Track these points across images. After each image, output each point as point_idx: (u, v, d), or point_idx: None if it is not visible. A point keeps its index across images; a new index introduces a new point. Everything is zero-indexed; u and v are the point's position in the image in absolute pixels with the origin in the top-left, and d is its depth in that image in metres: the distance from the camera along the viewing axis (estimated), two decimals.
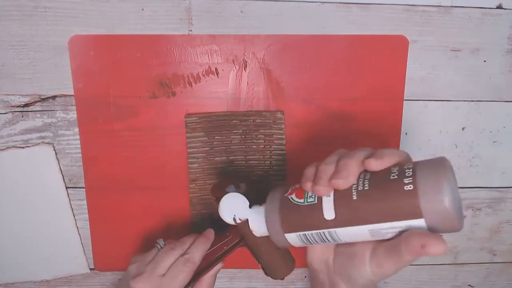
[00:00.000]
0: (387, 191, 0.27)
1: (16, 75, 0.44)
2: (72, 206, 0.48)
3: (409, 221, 0.26)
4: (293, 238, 0.32)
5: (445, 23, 0.45)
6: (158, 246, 0.41)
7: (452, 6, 0.45)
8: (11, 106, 0.45)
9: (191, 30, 0.44)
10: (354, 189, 0.28)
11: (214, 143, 0.47)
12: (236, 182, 0.40)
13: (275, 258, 0.41)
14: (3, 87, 0.45)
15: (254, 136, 0.47)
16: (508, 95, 0.48)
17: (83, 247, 0.50)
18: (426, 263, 0.53)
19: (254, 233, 0.37)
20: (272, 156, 0.47)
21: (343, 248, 0.33)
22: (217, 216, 0.39)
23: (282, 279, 0.42)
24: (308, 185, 0.30)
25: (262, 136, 0.47)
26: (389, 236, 0.28)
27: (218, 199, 0.39)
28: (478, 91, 0.47)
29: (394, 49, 0.45)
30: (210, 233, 0.42)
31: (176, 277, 0.38)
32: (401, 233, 0.27)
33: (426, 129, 0.48)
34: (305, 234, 0.31)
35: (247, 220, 0.37)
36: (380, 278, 0.30)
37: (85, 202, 0.48)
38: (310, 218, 0.30)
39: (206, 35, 0.44)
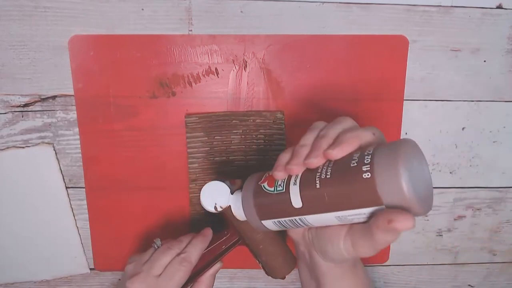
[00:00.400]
0: (347, 180, 0.26)
1: (16, 75, 0.44)
2: (72, 206, 0.48)
3: (371, 208, 0.26)
4: (270, 225, 0.33)
5: (445, 23, 0.45)
6: (155, 245, 0.40)
7: (452, 6, 0.45)
8: (11, 106, 0.45)
9: (191, 30, 0.44)
10: (318, 178, 0.28)
11: (214, 143, 0.47)
12: (231, 179, 0.39)
13: (275, 257, 0.40)
14: (3, 87, 0.45)
15: (254, 136, 0.47)
16: (508, 95, 0.48)
17: (83, 247, 0.50)
18: (426, 263, 0.53)
19: (238, 218, 0.37)
20: (272, 156, 0.47)
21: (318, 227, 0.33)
22: (216, 215, 0.39)
23: (283, 278, 0.42)
24: (278, 174, 0.30)
25: (262, 136, 0.47)
26: (357, 221, 0.28)
27: None
28: (478, 91, 0.47)
29: (394, 49, 0.45)
30: (208, 232, 0.41)
31: (172, 277, 0.37)
32: (369, 217, 0.27)
33: (426, 129, 0.48)
34: (279, 220, 0.32)
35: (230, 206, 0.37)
36: (355, 256, 0.30)
37: (85, 202, 0.48)
38: (281, 206, 0.30)
39: (206, 35, 0.44)
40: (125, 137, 0.46)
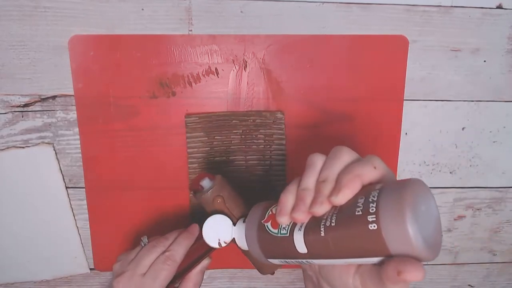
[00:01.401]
0: (353, 230, 0.25)
1: (16, 75, 0.44)
2: (72, 206, 0.48)
3: (379, 258, 0.25)
4: (277, 262, 0.33)
5: (445, 23, 0.45)
6: (142, 243, 0.40)
7: (452, 6, 0.45)
8: (11, 106, 0.45)
9: (191, 30, 0.44)
10: (322, 225, 0.27)
11: (214, 143, 0.47)
12: (209, 175, 0.39)
13: None
14: (3, 87, 0.45)
15: (254, 136, 0.47)
16: (508, 95, 0.48)
17: (83, 247, 0.50)
18: (426, 263, 0.53)
19: (241, 248, 0.37)
20: (272, 156, 0.47)
21: None
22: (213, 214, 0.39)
23: (272, 273, 0.42)
24: (282, 220, 0.29)
25: (262, 136, 0.47)
26: (366, 263, 0.27)
27: (195, 194, 0.39)
28: (478, 91, 0.47)
29: (394, 49, 0.45)
30: (194, 228, 0.41)
31: (157, 276, 0.37)
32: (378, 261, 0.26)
33: (426, 129, 0.48)
34: (286, 260, 0.31)
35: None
36: None
37: (85, 202, 0.48)
38: (286, 250, 0.30)
39: (206, 35, 0.44)
40: (125, 137, 0.46)
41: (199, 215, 0.48)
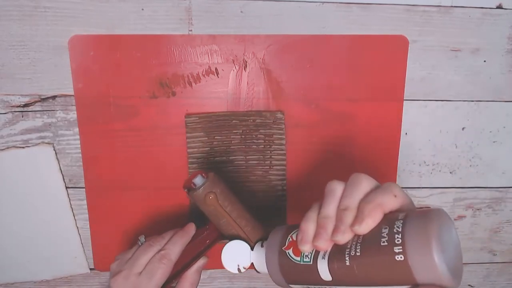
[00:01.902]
0: (379, 260, 0.26)
1: (16, 75, 0.44)
2: (72, 206, 0.48)
3: (404, 286, 0.26)
4: (295, 286, 0.33)
5: (445, 23, 0.45)
6: (139, 242, 0.40)
7: (452, 6, 0.45)
8: (11, 106, 0.45)
9: (191, 30, 0.44)
10: (347, 254, 0.28)
11: (214, 143, 0.47)
12: (202, 172, 0.39)
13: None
14: (3, 87, 0.45)
15: (254, 136, 0.47)
16: (508, 95, 0.48)
17: (83, 247, 0.50)
18: None
19: (259, 272, 0.37)
20: (272, 156, 0.47)
21: None
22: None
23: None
24: (304, 248, 0.29)
25: (262, 136, 0.47)
26: None
27: (188, 192, 0.39)
28: (478, 91, 0.47)
29: (394, 49, 0.45)
30: (190, 227, 0.41)
31: (152, 275, 0.37)
32: None
33: (426, 129, 0.48)
34: (308, 287, 0.31)
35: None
36: None
37: (85, 202, 0.48)
38: (310, 277, 0.30)
39: (206, 35, 0.44)
40: (125, 137, 0.46)
41: (199, 215, 0.48)
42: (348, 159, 0.48)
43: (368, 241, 0.27)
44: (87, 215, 0.48)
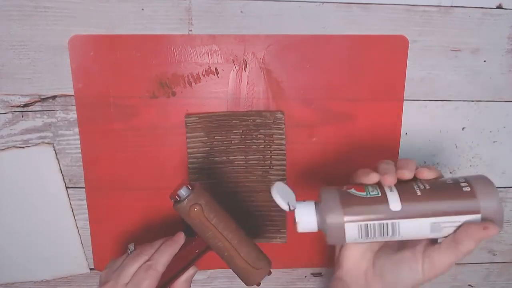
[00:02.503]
0: (448, 191, 0.31)
1: (16, 75, 0.44)
2: (72, 206, 0.48)
3: (468, 216, 0.30)
4: (351, 229, 0.32)
5: (445, 23, 0.45)
6: (129, 251, 0.39)
7: (452, 6, 0.45)
8: (11, 106, 0.45)
9: (191, 30, 0.44)
10: (417, 187, 0.32)
11: (214, 143, 0.47)
12: (188, 183, 0.38)
13: (242, 265, 0.39)
14: (3, 87, 0.45)
15: (254, 136, 0.47)
16: (508, 95, 0.48)
17: (83, 247, 0.50)
18: None
19: (297, 227, 0.34)
20: (272, 156, 0.47)
21: (389, 255, 0.34)
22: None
23: (258, 285, 0.40)
24: (390, 178, 0.32)
25: (262, 136, 0.47)
26: (445, 232, 0.31)
27: (174, 202, 0.38)
28: (478, 91, 0.47)
29: (394, 49, 0.45)
30: (179, 237, 0.40)
31: (139, 286, 0.36)
32: (456, 229, 0.31)
33: (426, 129, 0.48)
34: (366, 224, 0.31)
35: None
36: (430, 277, 0.32)
37: (85, 202, 0.48)
38: (375, 207, 0.32)
39: (206, 35, 0.44)
40: (125, 137, 0.46)
41: None
42: (348, 159, 0.48)
43: (434, 182, 0.32)
44: (87, 215, 0.49)
